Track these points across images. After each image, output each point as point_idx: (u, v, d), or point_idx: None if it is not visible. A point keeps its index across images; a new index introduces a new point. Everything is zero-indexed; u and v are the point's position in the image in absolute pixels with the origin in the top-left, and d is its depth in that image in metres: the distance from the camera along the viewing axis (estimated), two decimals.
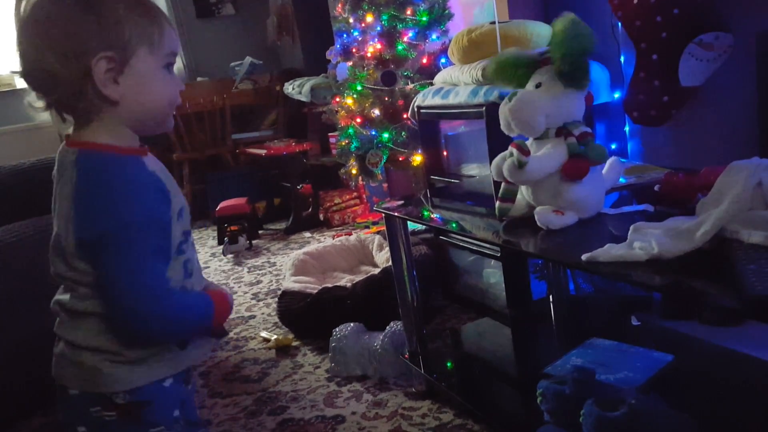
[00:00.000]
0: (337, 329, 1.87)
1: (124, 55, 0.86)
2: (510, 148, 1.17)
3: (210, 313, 0.96)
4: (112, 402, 0.90)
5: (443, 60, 2.58)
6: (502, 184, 1.24)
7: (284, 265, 2.62)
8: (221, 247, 3.43)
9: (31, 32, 0.85)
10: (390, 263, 1.80)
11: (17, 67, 0.87)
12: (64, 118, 0.91)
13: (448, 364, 1.69)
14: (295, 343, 2.12)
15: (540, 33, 1.88)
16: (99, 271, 0.87)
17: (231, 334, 2.28)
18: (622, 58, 1.87)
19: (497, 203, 1.26)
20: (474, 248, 2.00)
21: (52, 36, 0.83)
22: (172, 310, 0.90)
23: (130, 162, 0.89)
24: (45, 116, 0.90)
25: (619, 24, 1.78)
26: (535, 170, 1.15)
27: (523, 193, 1.24)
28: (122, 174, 0.87)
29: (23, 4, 0.85)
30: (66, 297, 0.92)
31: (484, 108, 1.71)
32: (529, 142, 1.20)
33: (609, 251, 0.94)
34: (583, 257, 0.96)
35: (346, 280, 2.30)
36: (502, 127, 1.23)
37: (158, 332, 0.91)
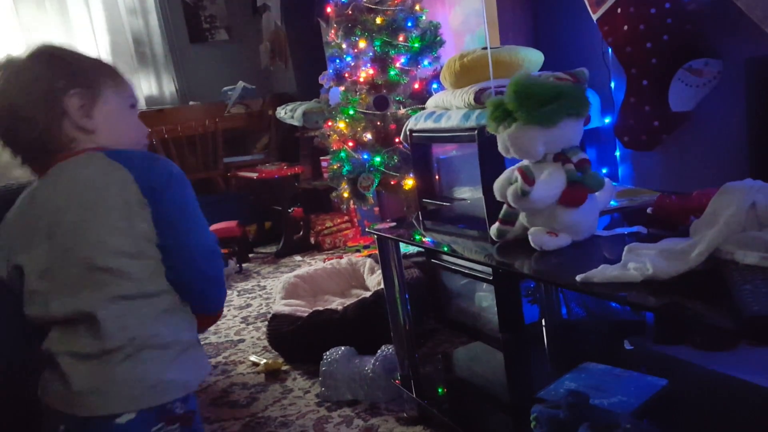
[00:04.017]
0: (327, 353, 1.84)
1: (93, 92, 0.97)
2: (515, 172, 1.16)
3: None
4: (171, 413, 0.91)
5: (435, 85, 2.60)
6: (504, 206, 1.23)
7: (274, 289, 2.59)
8: None
9: (4, 91, 0.94)
10: (381, 286, 1.79)
11: None
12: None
13: (440, 389, 1.67)
14: (284, 368, 2.09)
15: (531, 59, 1.90)
16: (169, 210, 0.94)
17: (219, 358, 2.25)
18: (612, 84, 1.89)
19: (497, 224, 1.25)
20: (466, 272, 2.00)
21: (23, 84, 0.93)
22: (223, 275, 1.03)
23: None
24: None
25: (610, 50, 1.80)
26: (539, 199, 1.14)
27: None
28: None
29: None
30: (119, 286, 0.90)
31: (476, 131, 1.71)
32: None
33: (603, 272, 0.94)
34: (578, 278, 0.95)
35: (337, 304, 2.28)
36: (500, 149, 1.23)
37: (222, 280, 1.01)
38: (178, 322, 0.95)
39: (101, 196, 0.90)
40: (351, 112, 2.72)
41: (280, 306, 2.25)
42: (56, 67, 0.96)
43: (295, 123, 3.78)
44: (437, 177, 2.24)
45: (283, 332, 2.10)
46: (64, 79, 0.95)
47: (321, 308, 2.14)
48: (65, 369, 0.88)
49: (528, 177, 1.12)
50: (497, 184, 1.22)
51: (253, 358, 2.18)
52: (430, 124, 1.99)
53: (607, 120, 1.95)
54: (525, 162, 1.20)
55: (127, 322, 0.89)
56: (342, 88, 2.81)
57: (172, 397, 0.91)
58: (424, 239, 1.53)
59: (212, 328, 2.57)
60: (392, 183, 2.70)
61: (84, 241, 0.89)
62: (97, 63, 1.02)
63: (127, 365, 0.88)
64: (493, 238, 1.27)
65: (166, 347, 0.91)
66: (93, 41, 4.54)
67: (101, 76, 0.99)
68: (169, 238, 0.93)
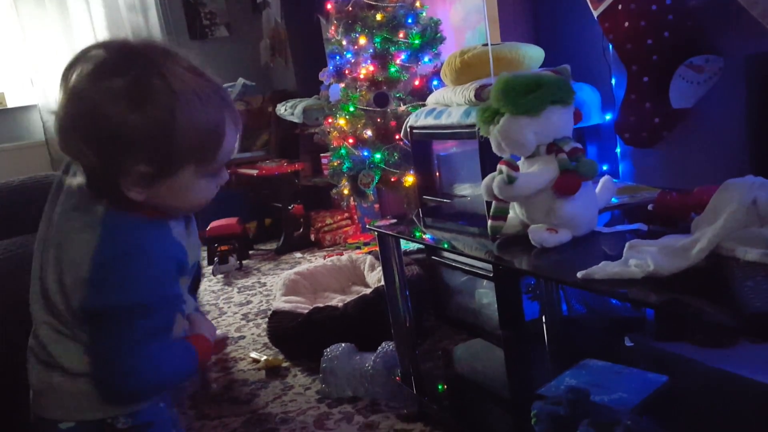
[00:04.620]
0: (328, 350, 1.84)
1: (167, 170, 0.79)
2: (499, 165, 1.17)
3: (195, 363, 0.92)
4: (113, 428, 0.86)
5: (435, 82, 2.60)
6: (493, 203, 1.24)
7: (275, 285, 2.59)
8: (211, 267, 3.40)
9: (76, 123, 0.78)
10: (382, 283, 1.79)
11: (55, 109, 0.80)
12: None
13: (441, 386, 1.67)
14: (285, 364, 2.09)
15: (532, 55, 1.90)
16: (95, 341, 0.82)
17: (220, 355, 2.24)
18: (613, 81, 1.89)
19: (489, 222, 1.26)
20: (466, 268, 1.99)
21: (95, 133, 0.77)
22: (159, 381, 0.87)
23: (157, 229, 0.84)
24: (37, 135, 0.85)
25: (611, 47, 1.80)
26: (525, 185, 1.15)
27: (516, 212, 1.24)
28: (147, 244, 0.82)
29: (72, 82, 0.78)
30: (55, 321, 0.85)
31: (476, 128, 1.71)
32: (520, 162, 1.21)
33: (605, 268, 0.94)
34: (579, 275, 0.95)
35: (337, 300, 2.28)
36: (494, 148, 1.24)
37: (142, 398, 0.88)
38: None
39: (64, 258, 0.81)
40: (351, 108, 2.72)
41: (281, 303, 2.25)
42: (143, 123, 0.76)
43: (296, 120, 3.78)
44: (437, 174, 2.24)
45: (284, 329, 2.10)
46: (141, 155, 0.77)
47: (321, 305, 2.14)
48: (29, 366, 0.89)
49: (512, 164, 1.15)
50: (484, 185, 1.23)
51: (253, 354, 2.18)
52: (430, 121, 1.99)
53: (608, 117, 1.94)
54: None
55: (70, 356, 0.86)
56: (342, 85, 2.81)
57: (113, 414, 0.86)
58: (424, 236, 1.53)
59: None
60: (392, 180, 2.69)
61: (44, 279, 0.85)
62: (205, 118, 0.80)
63: (67, 378, 0.86)
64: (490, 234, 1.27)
65: None
66: (93, 39, 4.53)
67: (193, 149, 0.80)
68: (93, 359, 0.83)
